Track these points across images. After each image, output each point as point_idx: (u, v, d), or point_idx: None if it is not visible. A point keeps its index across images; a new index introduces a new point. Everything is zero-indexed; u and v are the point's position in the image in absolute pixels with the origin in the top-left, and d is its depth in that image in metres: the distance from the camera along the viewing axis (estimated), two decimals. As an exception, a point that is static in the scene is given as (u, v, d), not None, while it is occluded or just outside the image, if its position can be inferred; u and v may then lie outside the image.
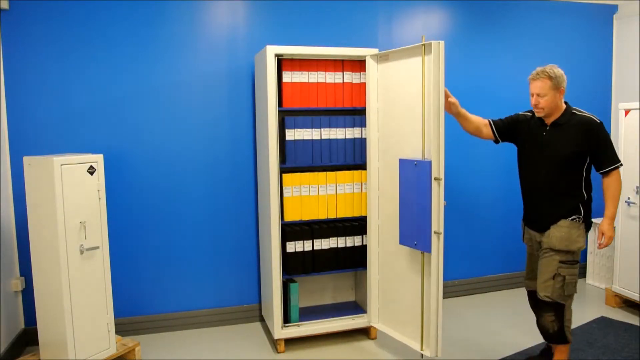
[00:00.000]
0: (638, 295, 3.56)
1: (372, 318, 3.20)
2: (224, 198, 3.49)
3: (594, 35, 4.31)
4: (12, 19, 3.03)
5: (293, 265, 3.15)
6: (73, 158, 2.63)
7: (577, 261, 2.58)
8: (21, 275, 3.17)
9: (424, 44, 2.65)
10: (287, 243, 3.13)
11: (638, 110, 3.55)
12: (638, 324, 3.43)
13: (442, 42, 2.59)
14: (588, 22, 4.27)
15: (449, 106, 2.79)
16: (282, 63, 3.06)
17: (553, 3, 4.14)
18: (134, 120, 3.29)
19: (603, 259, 4.18)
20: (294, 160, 3.11)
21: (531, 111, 2.71)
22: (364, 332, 3.34)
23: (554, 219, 2.58)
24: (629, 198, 3.63)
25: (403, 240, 2.85)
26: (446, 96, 2.76)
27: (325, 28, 3.57)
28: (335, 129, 3.16)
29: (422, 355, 2.82)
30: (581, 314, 3.67)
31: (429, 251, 2.66)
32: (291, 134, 3.08)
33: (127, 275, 3.33)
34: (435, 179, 2.62)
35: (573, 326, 3.40)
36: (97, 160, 2.73)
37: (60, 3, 3.09)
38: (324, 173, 3.17)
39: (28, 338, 3.14)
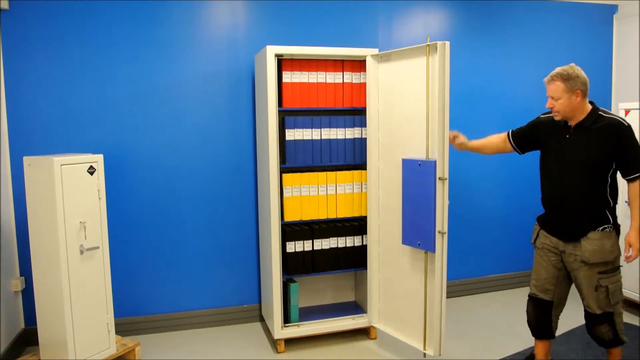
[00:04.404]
0: (638, 295, 3.55)
1: (372, 318, 3.20)
2: (223, 198, 3.49)
3: (594, 35, 4.31)
4: (12, 19, 3.03)
5: (293, 265, 3.15)
6: (73, 158, 2.63)
7: (617, 267, 2.46)
8: (21, 275, 3.17)
9: (428, 45, 2.65)
10: (287, 243, 3.12)
11: (638, 110, 3.55)
12: (638, 324, 3.43)
13: (447, 43, 2.58)
14: (588, 22, 4.27)
15: (459, 147, 2.75)
16: (282, 63, 3.06)
17: (553, 3, 4.14)
18: (134, 120, 3.29)
19: (603, 259, 4.17)
20: (294, 160, 3.11)
21: None
22: (364, 332, 3.34)
23: (582, 230, 2.41)
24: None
25: (406, 240, 2.84)
26: (453, 138, 2.72)
27: (325, 28, 3.57)
28: (335, 129, 3.16)
29: (424, 354, 2.82)
30: (581, 314, 3.65)
31: (433, 251, 2.66)
32: (291, 134, 3.08)
33: (127, 275, 3.33)
34: (439, 178, 2.62)
35: (573, 326, 3.41)
36: (97, 160, 2.73)
37: (60, 3, 3.09)
38: (324, 173, 3.17)
39: (28, 338, 3.14)
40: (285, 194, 3.09)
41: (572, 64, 2.44)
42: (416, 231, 2.77)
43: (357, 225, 3.24)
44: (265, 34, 3.45)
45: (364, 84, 3.15)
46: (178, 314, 3.47)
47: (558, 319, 2.70)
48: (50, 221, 2.55)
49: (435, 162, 2.63)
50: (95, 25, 3.17)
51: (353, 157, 3.21)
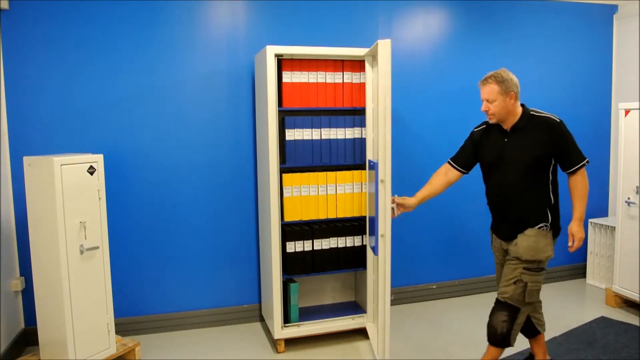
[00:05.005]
0: (638, 295, 3.55)
1: (372, 318, 3.20)
2: (223, 198, 3.49)
3: (594, 35, 4.31)
4: (12, 19, 3.03)
5: (293, 265, 3.15)
6: (73, 158, 2.63)
7: (542, 269, 2.46)
8: (21, 275, 3.17)
9: (377, 43, 2.63)
10: (287, 243, 3.13)
11: (638, 110, 3.55)
12: (638, 324, 3.43)
13: (388, 41, 2.53)
14: (588, 22, 4.27)
15: (412, 208, 2.71)
16: (282, 63, 3.06)
17: (553, 3, 4.14)
18: (134, 120, 3.29)
19: (603, 259, 4.18)
20: (294, 160, 3.11)
21: (486, 122, 2.62)
22: (364, 332, 3.34)
23: (521, 227, 2.46)
24: (629, 198, 3.63)
25: (370, 243, 2.82)
26: (400, 206, 2.69)
27: (325, 28, 3.57)
28: (335, 129, 3.16)
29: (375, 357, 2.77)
30: (581, 314, 3.67)
31: (376, 254, 2.63)
32: (291, 134, 3.08)
33: (127, 275, 3.33)
34: (381, 181, 2.57)
35: (573, 326, 3.41)
36: (97, 160, 2.73)
37: (60, 3, 3.09)
38: (324, 173, 3.17)
39: (28, 338, 3.14)
40: (285, 194, 3.09)
41: (504, 68, 2.48)
42: (371, 234, 2.75)
43: (357, 225, 3.24)
44: (265, 34, 3.45)
45: (364, 84, 3.16)
46: (178, 314, 3.47)
47: (540, 313, 2.70)
48: (50, 221, 2.55)
49: (377, 163, 2.59)
50: (95, 25, 3.17)
51: (353, 157, 3.21)
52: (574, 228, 2.48)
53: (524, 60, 4.08)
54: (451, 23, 3.89)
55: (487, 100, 2.45)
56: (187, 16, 3.33)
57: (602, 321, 3.50)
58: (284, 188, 3.09)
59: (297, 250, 3.14)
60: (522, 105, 2.52)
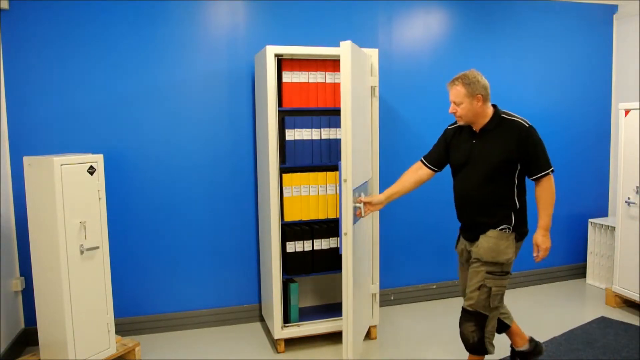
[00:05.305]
0: (638, 295, 3.55)
1: (372, 318, 3.20)
2: (223, 198, 3.49)
3: (594, 35, 4.31)
4: (12, 19, 3.03)
5: (293, 265, 3.15)
6: (73, 158, 2.63)
7: (506, 272, 2.43)
8: (21, 275, 3.17)
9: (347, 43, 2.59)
10: (287, 243, 3.12)
11: (638, 110, 3.55)
12: (638, 324, 3.43)
13: (349, 42, 2.51)
14: (588, 22, 4.27)
15: (382, 205, 2.70)
16: (282, 63, 3.06)
17: (553, 3, 4.14)
18: (134, 120, 3.29)
19: (603, 259, 4.18)
20: (294, 160, 3.11)
21: None
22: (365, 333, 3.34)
23: (483, 229, 2.44)
24: (629, 198, 3.63)
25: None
26: (368, 204, 2.68)
27: (325, 28, 3.57)
28: (335, 129, 3.16)
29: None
30: (581, 314, 3.67)
31: (340, 252, 2.63)
32: (291, 134, 3.08)
33: (127, 275, 3.33)
34: (344, 180, 2.57)
35: (573, 326, 3.41)
36: (97, 160, 2.73)
37: (60, 3, 3.09)
38: (324, 173, 3.17)
39: (28, 338, 3.14)
40: (285, 194, 3.09)
41: (472, 69, 2.44)
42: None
43: (357, 225, 3.24)
44: (265, 34, 3.45)
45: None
46: (178, 314, 3.47)
47: (503, 307, 2.66)
48: (50, 221, 2.55)
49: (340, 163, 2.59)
50: (95, 25, 3.17)
51: (353, 157, 3.21)
52: (539, 238, 2.43)
53: (524, 60, 4.08)
54: (451, 23, 3.89)
55: (455, 103, 2.43)
56: (187, 16, 3.33)
57: (602, 321, 3.50)
58: (283, 188, 3.09)
59: (297, 250, 3.14)
60: (494, 106, 2.48)
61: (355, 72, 2.66)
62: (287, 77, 3.07)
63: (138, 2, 3.23)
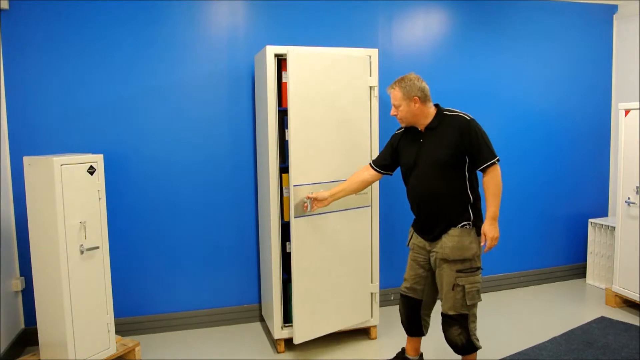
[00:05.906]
0: (638, 295, 3.55)
1: (372, 318, 3.20)
2: (223, 198, 3.49)
3: (594, 35, 4.31)
4: (12, 19, 3.03)
5: (293, 265, 3.14)
6: (73, 158, 2.63)
7: (477, 268, 2.45)
8: (21, 275, 3.17)
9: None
10: (287, 243, 3.12)
11: (638, 110, 3.55)
12: (638, 324, 3.43)
13: (296, 48, 2.60)
14: (588, 22, 4.27)
15: (328, 202, 2.78)
16: (282, 63, 3.06)
17: (553, 3, 4.14)
18: (134, 120, 3.29)
19: (603, 259, 4.18)
20: (294, 160, 3.10)
21: None
22: (364, 332, 3.34)
23: (444, 227, 2.45)
24: (629, 198, 3.63)
25: None
26: (315, 200, 2.77)
27: (325, 28, 3.57)
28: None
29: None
30: (581, 314, 3.67)
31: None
32: (291, 134, 3.08)
33: (127, 275, 3.33)
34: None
35: (573, 326, 3.41)
36: (97, 160, 2.73)
37: (60, 3, 3.09)
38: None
39: (28, 338, 3.14)
40: (285, 194, 3.09)
41: (411, 73, 2.52)
42: None
43: (357, 225, 3.23)
44: (265, 34, 3.45)
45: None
46: (178, 314, 3.47)
47: (429, 317, 2.74)
48: (50, 221, 2.55)
49: None
50: (96, 25, 3.17)
51: (353, 157, 3.20)
52: (486, 227, 2.42)
53: (524, 60, 4.08)
54: (451, 23, 3.89)
55: (394, 105, 2.50)
56: (187, 16, 3.33)
57: (602, 321, 3.50)
58: (284, 188, 3.09)
59: (297, 250, 3.14)
60: (437, 105, 2.53)
61: (316, 72, 2.77)
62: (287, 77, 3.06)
63: (138, 3, 3.23)
